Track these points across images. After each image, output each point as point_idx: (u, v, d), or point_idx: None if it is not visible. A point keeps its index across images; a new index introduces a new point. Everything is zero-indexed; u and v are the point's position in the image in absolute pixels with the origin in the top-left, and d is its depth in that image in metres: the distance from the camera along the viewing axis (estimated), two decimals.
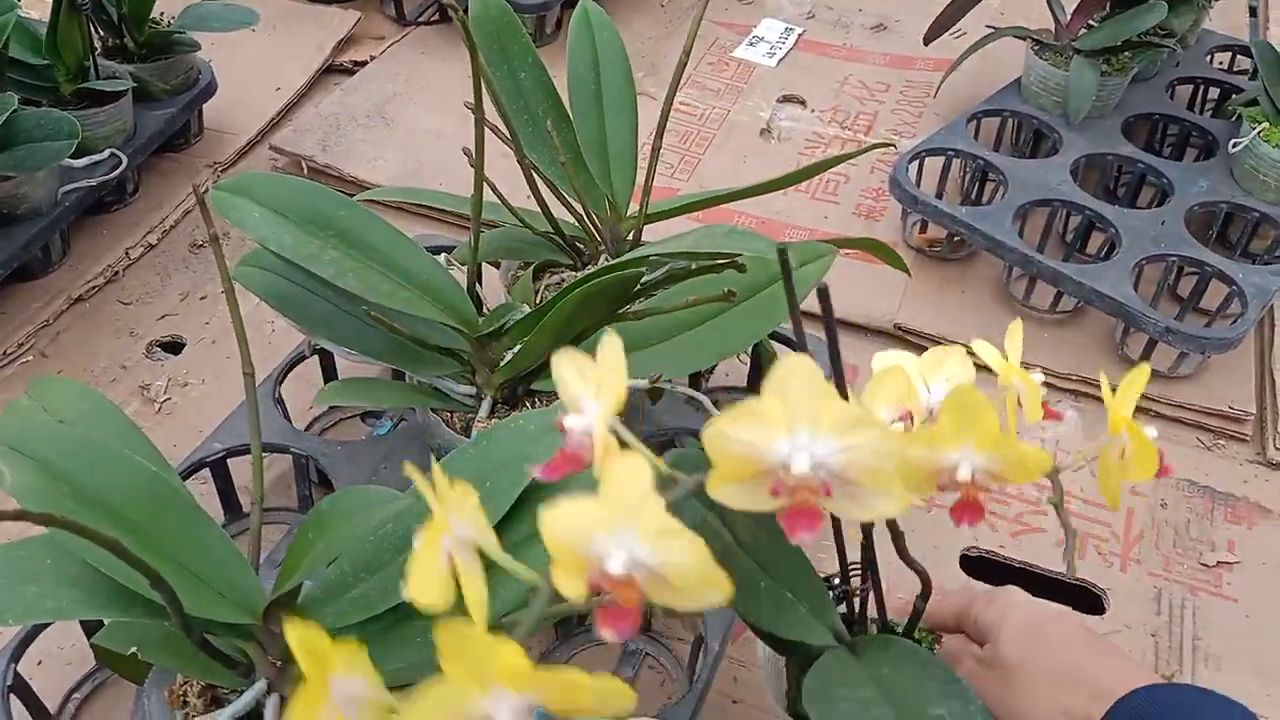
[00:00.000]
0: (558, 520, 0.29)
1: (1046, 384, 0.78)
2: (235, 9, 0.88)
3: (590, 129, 0.67)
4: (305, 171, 0.93)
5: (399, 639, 0.44)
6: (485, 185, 0.60)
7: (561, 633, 0.63)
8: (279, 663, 0.46)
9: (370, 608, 0.45)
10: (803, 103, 1.04)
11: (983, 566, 0.68)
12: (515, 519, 0.45)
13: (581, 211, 0.68)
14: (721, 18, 1.15)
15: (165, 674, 0.50)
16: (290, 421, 0.70)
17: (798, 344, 0.72)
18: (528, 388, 0.63)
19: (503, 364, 0.61)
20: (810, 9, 1.17)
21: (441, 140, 0.96)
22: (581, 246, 0.71)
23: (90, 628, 0.58)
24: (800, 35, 1.12)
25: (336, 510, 0.43)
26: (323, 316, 0.62)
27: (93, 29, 0.88)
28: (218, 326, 0.81)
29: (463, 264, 0.72)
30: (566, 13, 1.11)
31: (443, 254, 0.73)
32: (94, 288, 0.83)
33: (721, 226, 0.51)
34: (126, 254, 0.86)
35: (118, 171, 0.84)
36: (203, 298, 0.83)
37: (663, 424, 0.67)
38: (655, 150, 0.65)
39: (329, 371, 0.73)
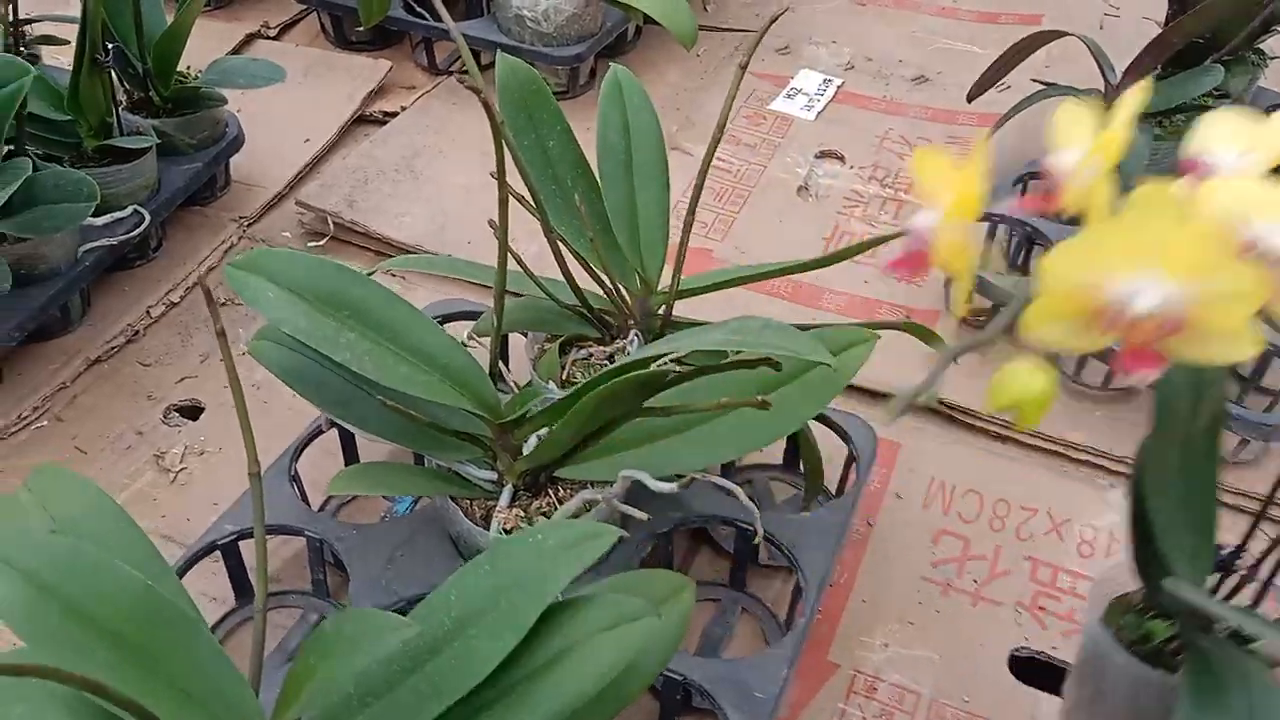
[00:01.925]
0: (1069, 255, 0.25)
1: (1096, 465, 0.75)
2: (262, 65, 0.87)
3: (620, 199, 0.65)
4: (331, 227, 0.91)
5: None
6: (510, 256, 0.57)
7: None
8: None
9: None
10: (841, 158, 1.00)
11: (1033, 668, 0.64)
12: (535, 641, 0.42)
13: (610, 285, 0.65)
14: (758, 68, 1.13)
15: None
16: (306, 498, 0.68)
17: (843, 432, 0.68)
18: (551, 475, 0.60)
19: (525, 453, 0.58)
20: (849, 60, 1.14)
21: (470, 195, 0.94)
22: (610, 320, 0.68)
23: None
24: (839, 87, 1.09)
25: (341, 636, 0.40)
26: (340, 395, 0.60)
27: (119, 81, 0.87)
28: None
29: (484, 336, 0.69)
30: (600, 62, 1.09)
31: (465, 327, 0.70)
32: (113, 348, 0.81)
33: (756, 320, 0.48)
34: (148, 312, 0.84)
35: (140, 229, 0.82)
36: (223, 359, 0.81)
37: (693, 510, 0.63)
38: (688, 225, 0.62)
39: (348, 442, 0.71)
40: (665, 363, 0.51)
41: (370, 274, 0.62)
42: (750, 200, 0.95)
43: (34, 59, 0.73)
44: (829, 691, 0.62)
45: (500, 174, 0.52)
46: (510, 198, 0.55)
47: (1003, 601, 0.67)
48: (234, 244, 0.91)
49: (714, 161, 0.76)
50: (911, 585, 0.68)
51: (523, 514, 0.58)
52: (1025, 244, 0.85)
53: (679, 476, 0.62)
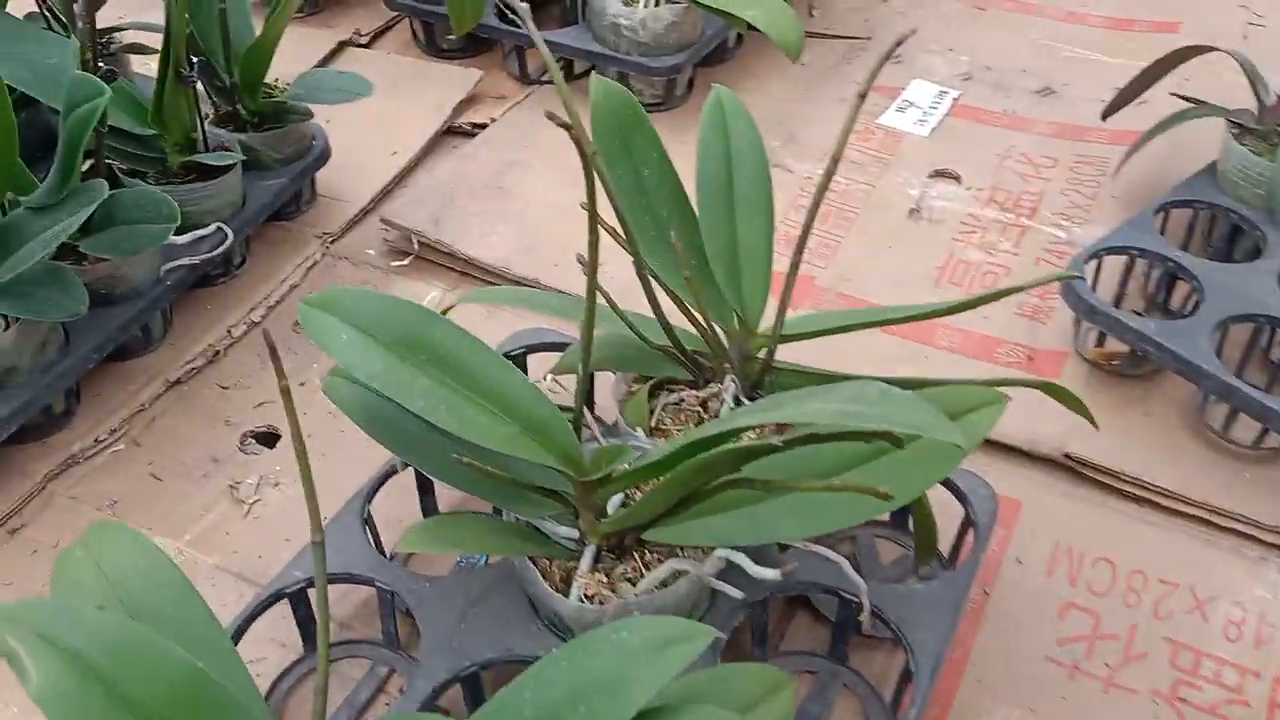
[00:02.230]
0: None
1: (1245, 535, 0.67)
2: (350, 78, 0.84)
3: (720, 233, 0.60)
4: (415, 246, 0.88)
5: None
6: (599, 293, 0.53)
7: (757, 644, 0.56)
8: None
9: None
10: (957, 178, 0.93)
11: None
12: None
13: (705, 325, 0.60)
14: (865, 78, 1.06)
15: None
16: (379, 542, 0.64)
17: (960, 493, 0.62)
18: (638, 537, 0.55)
19: (610, 513, 0.54)
20: (967, 70, 1.06)
21: (559, 214, 0.90)
22: (704, 362, 0.63)
23: None
24: (955, 100, 1.02)
25: None
26: (415, 441, 0.56)
27: (208, 93, 0.85)
28: (315, 418, 0.75)
29: (566, 374, 0.65)
30: (698, 71, 1.04)
31: (548, 359, 0.66)
32: (193, 369, 0.79)
33: (872, 386, 0.43)
34: (229, 332, 0.82)
35: (222, 248, 0.80)
36: (302, 384, 0.79)
37: (791, 576, 0.58)
38: (794, 266, 0.56)
39: (425, 483, 0.67)
40: (766, 431, 0.46)
41: (447, 311, 0.58)
42: (857, 223, 0.89)
43: (112, 74, 0.71)
44: None
45: (591, 211, 0.47)
46: (600, 229, 0.50)
47: (1138, 689, 0.60)
48: (317, 261, 0.88)
49: (817, 179, 0.70)
50: (1034, 665, 0.61)
51: (605, 579, 0.54)
52: (1167, 280, 0.77)
53: (782, 547, 0.57)
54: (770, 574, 0.46)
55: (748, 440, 0.47)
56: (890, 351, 0.77)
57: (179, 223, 0.70)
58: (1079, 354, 0.77)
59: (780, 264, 0.61)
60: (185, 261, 0.78)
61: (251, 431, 0.75)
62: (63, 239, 0.62)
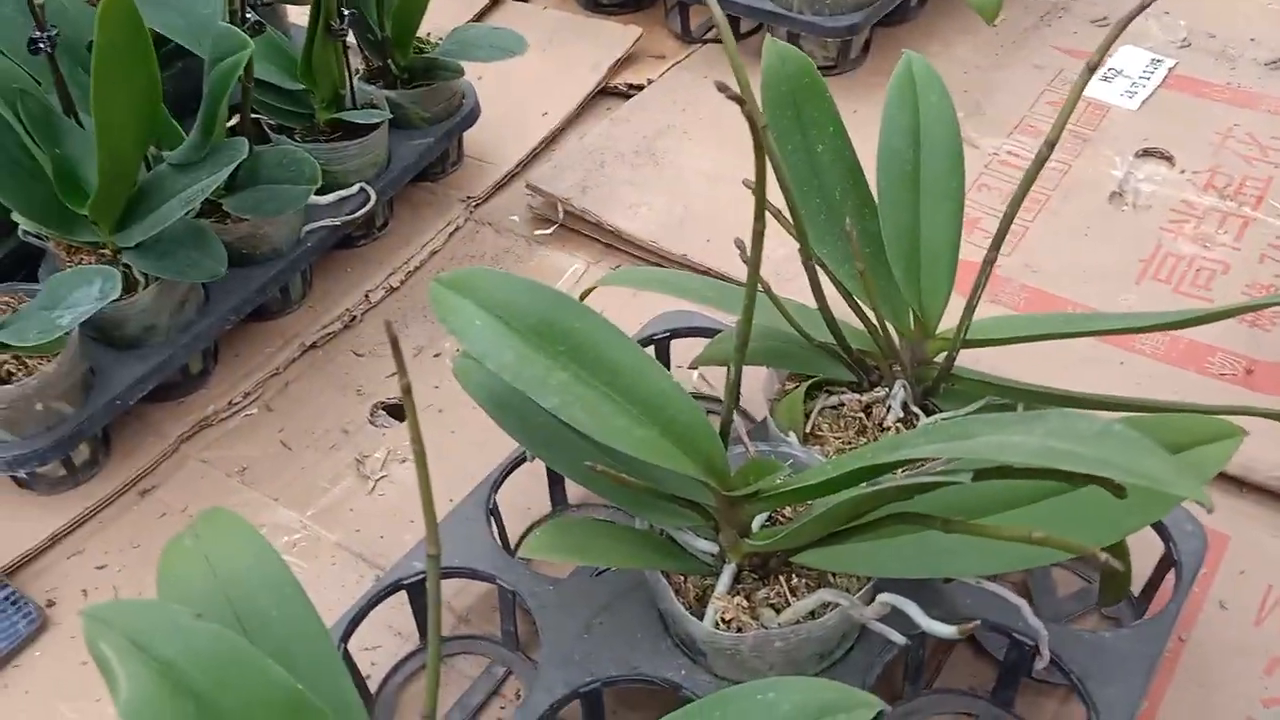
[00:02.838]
0: None
1: None
2: (504, 35, 0.79)
3: (900, 221, 0.52)
4: (561, 215, 0.83)
5: None
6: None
7: (910, 679, 0.52)
8: None
9: None
10: (1169, 159, 0.82)
11: None
12: None
13: (877, 323, 0.53)
14: (1066, 42, 0.95)
15: None
16: (505, 535, 0.61)
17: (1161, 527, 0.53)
18: (785, 560, 0.49)
19: (756, 532, 0.48)
20: (1185, 36, 0.94)
21: (714, 186, 0.84)
22: (871, 364, 0.56)
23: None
24: (1170, 70, 0.90)
25: None
26: (548, 434, 0.51)
27: (359, 47, 0.82)
28: (447, 392, 0.72)
29: (711, 365, 0.59)
30: (875, 32, 0.95)
31: (694, 345, 0.60)
32: (329, 335, 0.77)
33: (1087, 422, 0.35)
34: (366, 297, 0.79)
35: (365, 209, 0.77)
36: (436, 355, 0.75)
37: (956, 612, 0.51)
38: (988, 262, 0.48)
39: (555, 473, 0.63)
40: (944, 464, 0.39)
41: (588, 293, 0.53)
42: (1049, 206, 0.80)
43: (259, 26, 0.68)
44: None
45: (760, 196, 0.41)
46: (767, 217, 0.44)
47: None
48: (460, 226, 0.85)
49: (1005, 157, 0.61)
50: None
51: (745, 604, 0.48)
52: None
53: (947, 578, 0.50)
54: (946, 630, 0.40)
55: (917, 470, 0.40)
56: (1082, 354, 0.68)
57: (320, 185, 0.67)
58: None
59: (963, 253, 0.53)
60: (327, 223, 0.75)
61: (382, 403, 0.73)
62: (203, 197, 0.60)
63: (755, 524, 0.50)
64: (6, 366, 0.61)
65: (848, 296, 0.54)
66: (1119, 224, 0.78)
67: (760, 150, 0.41)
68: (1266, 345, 0.68)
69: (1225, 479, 0.63)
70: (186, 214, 0.61)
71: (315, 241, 0.75)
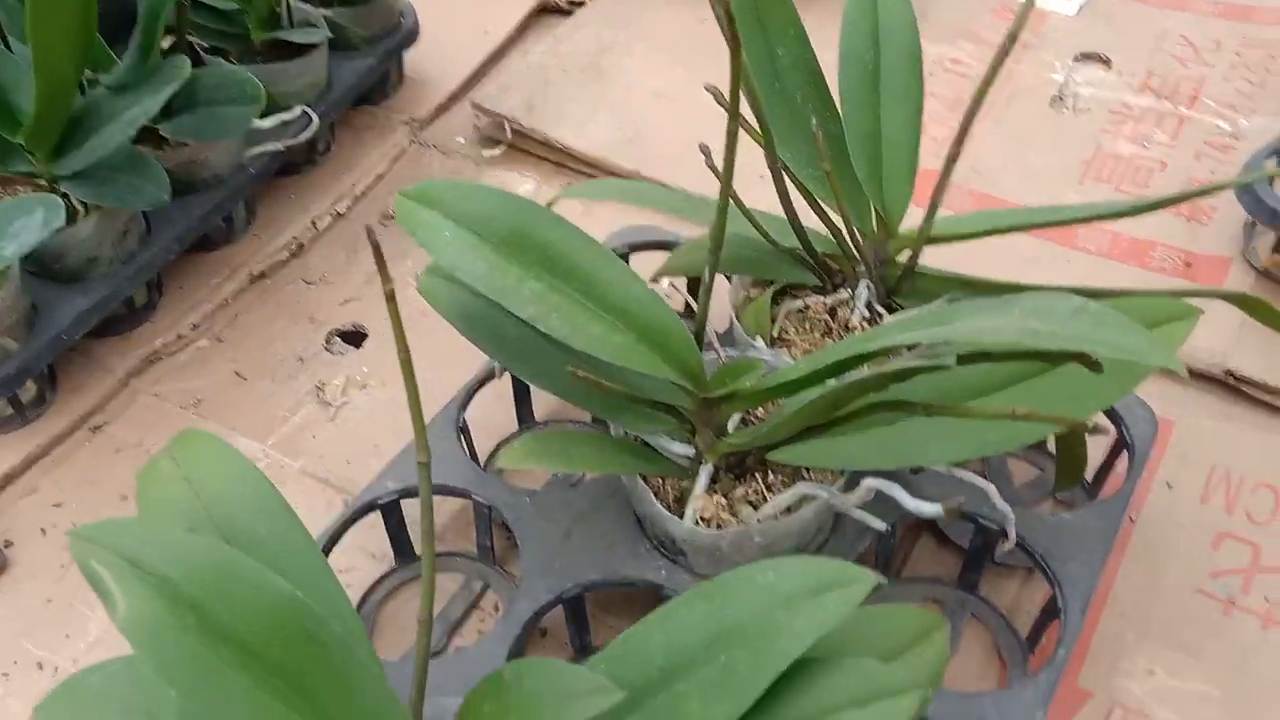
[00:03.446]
0: None
1: None
2: None
3: (862, 123, 0.53)
4: (509, 134, 0.82)
5: None
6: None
7: (880, 569, 0.52)
8: None
9: None
10: (1106, 63, 0.84)
11: None
12: (760, 712, 0.33)
13: (842, 224, 0.54)
14: None
15: None
16: (475, 453, 0.61)
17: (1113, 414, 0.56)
18: (761, 457, 0.50)
19: (732, 433, 0.49)
20: None
21: (663, 102, 0.83)
22: (834, 266, 0.56)
23: None
24: None
25: (523, 693, 0.32)
26: (520, 347, 0.51)
27: None
28: (405, 314, 0.71)
29: (674, 276, 0.59)
30: None
31: (654, 259, 0.60)
32: (277, 263, 0.75)
33: (1064, 301, 0.36)
34: (313, 224, 0.78)
35: (307, 132, 0.75)
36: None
37: (928, 498, 0.53)
38: (951, 159, 0.49)
39: (522, 390, 0.63)
40: (922, 353, 0.40)
41: (552, 203, 0.53)
42: (992, 112, 0.81)
43: None
44: None
45: (734, 100, 0.41)
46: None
47: None
48: (405, 149, 0.83)
49: (949, 65, 0.61)
50: (1184, 599, 0.56)
51: (724, 501, 0.49)
52: None
53: (914, 469, 0.52)
54: (933, 509, 0.41)
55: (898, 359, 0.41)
56: (1029, 253, 0.70)
57: (264, 104, 0.65)
58: (1247, 261, 0.69)
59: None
60: (270, 147, 0.73)
61: (338, 330, 0.72)
62: (144, 120, 0.58)
63: (730, 425, 0.50)
64: None
65: (810, 200, 0.55)
66: (1060, 127, 0.79)
67: (736, 54, 0.41)
68: (1203, 239, 0.71)
69: (1169, 372, 0.65)
70: (128, 138, 0.59)
71: (258, 167, 0.73)
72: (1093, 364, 0.36)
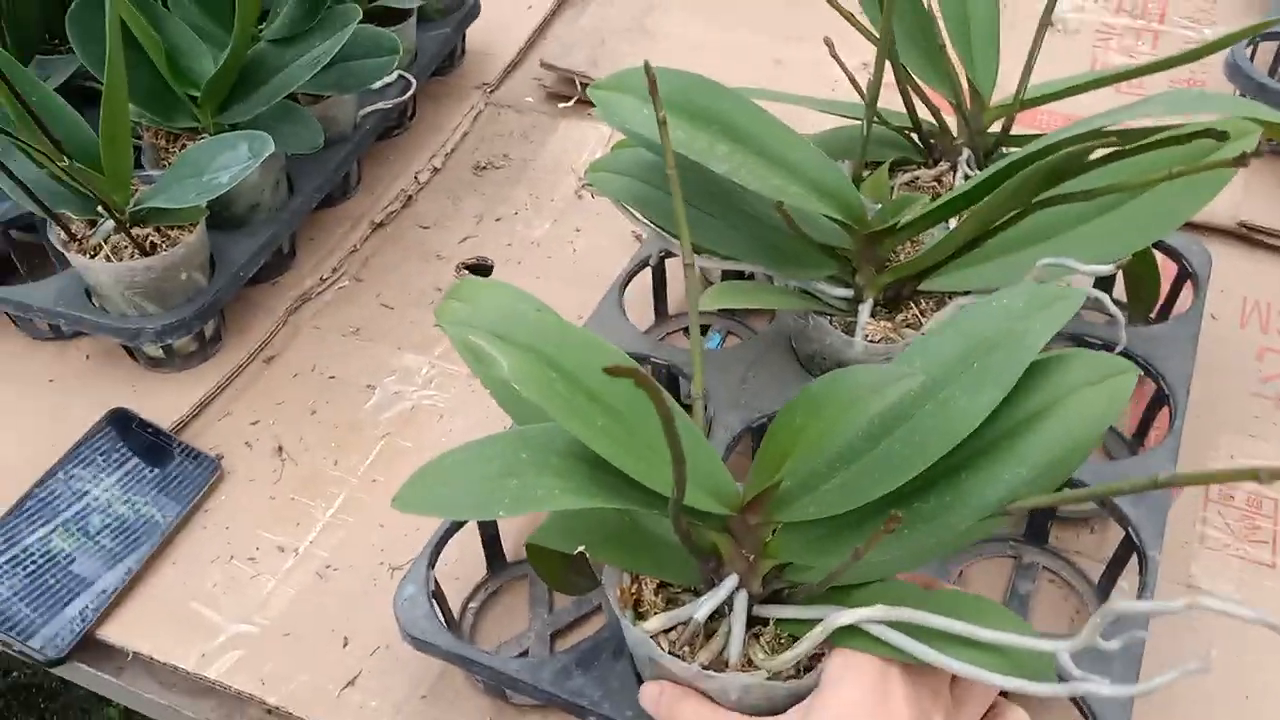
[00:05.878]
0: None
1: None
2: None
3: (953, 6, 0.63)
4: (579, 88, 0.90)
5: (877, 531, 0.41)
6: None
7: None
8: (751, 557, 0.44)
9: (850, 500, 0.42)
10: None
11: None
12: (1014, 399, 0.42)
13: (949, 100, 0.64)
14: None
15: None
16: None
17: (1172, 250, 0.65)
18: (915, 289, 0.59)
19: (894, 263, 0.58)
20: None
21: (700, 53, 0.92)
22: (934, 142, 0.66)
23: (488, 535, 0.58)
24: None
25: (834, 394, 0.40)
26: (690, 218, 0.59)
27: None
28: (519, 248, 0.79)
29: None
30: None
31: None
32: (392, 213, 0.82)
33: (1186, 91, 0.47)
34: (415, 178, 0.85)
35: (409, 94, 0.82)
36: (497, 219, 0.82)
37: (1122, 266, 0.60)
38: (1043, 25, 0.60)
39: (659, 284, 0.71)
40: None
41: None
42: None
43: None
44: (1185, 500, 0.62)
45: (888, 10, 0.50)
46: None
47: None
48: (481, 110, 0.91)
49: None
50: (1243, 401, 0.67)
51: (890, 325, 0.58)
52: None
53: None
54: (1106, 269, 0.51)
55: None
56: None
57: (399, 55, 0.72)
58: None
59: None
60: (380, 105, 0.80)
61: (465, 263, 0.79)
62: (325, 63, 0.64)
63: (895, 261, 0.59)
64: (151, 239, 0.64)
65: (910, 84, 0.64)
66: (1059, 47, 0.91)
67: None
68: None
69: (1190, 226, 0.77)
70: (299, 85, 0.65)
71: (371, 125, 0.80)
72: (1219, 134, 0.46)
